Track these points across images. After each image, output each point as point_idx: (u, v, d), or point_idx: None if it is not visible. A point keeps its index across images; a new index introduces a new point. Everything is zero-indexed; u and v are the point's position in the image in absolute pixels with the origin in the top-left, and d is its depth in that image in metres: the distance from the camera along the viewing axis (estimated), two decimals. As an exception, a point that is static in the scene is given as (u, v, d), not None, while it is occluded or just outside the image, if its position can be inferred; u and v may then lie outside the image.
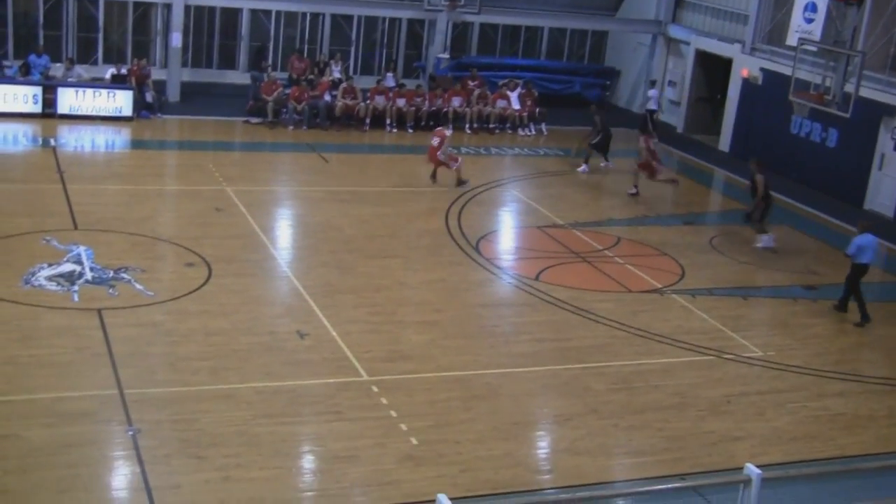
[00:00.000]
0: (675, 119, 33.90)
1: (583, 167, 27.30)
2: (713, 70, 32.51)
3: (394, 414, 13.41)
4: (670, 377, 15.47)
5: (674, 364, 15.96)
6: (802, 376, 16.00)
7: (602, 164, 27.90)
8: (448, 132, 24.67)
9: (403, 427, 13.09)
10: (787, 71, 26.96)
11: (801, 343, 17.34)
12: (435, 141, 24.23)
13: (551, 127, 31.78)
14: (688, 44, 33.45)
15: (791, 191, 26.72)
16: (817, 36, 25.86)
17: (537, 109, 31.89)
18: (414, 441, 12.79)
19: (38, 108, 27.10)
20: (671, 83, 34.54)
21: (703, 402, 14.76)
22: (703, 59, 32.87)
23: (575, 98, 35.45)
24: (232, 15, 32.93)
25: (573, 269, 19.89)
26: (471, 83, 31.83)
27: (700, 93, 33.38)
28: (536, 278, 19.00)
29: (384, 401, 13.73)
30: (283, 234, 20.99)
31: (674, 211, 24.87)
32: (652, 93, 32.77)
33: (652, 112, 32.12)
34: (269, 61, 32.05)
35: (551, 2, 35.96)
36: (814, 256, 22.28)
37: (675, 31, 34.37)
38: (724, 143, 31.37)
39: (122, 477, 11.63)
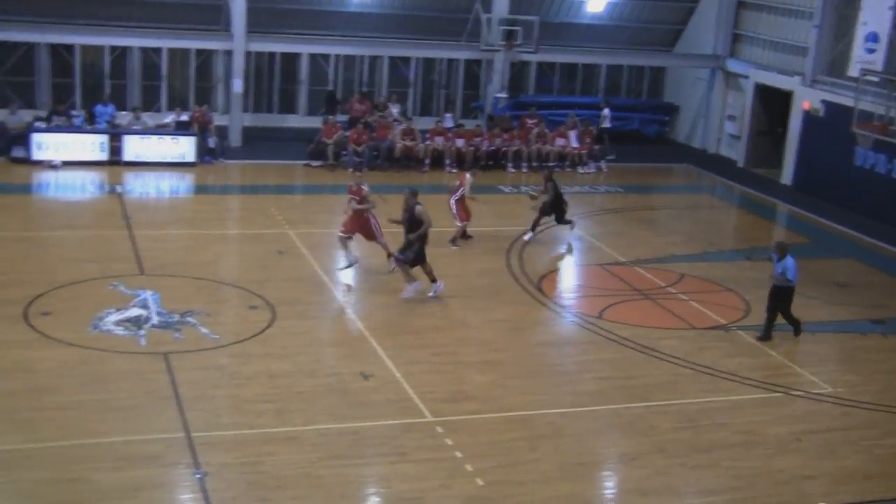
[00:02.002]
0: (736, 153, 33.67)
1: (529, 234, 23.42)
2: (773, 103, 32.25)
3: (459, 455, 13.36)
4: (737, 415, 15.26)
5: (740, 401, 15.75)
6: (873, 413, 15.70)
7: (528, 237, 23.49)
8: (470, 177, 23.21)
9: (469, 468, 13.04)
10: (849, 102, 26.70)
11: (871, 379, 17.03)
12: (468, 190, 22.78)
13: (610, 164, 31.70)
14: (747, 77, 33.26)
15: (856, 223, 26.39)
16: (879, 66, 25.60)
17: (596, 147, 31.85)
18: (479, 482, 12.73)
19: (104, 156, 27.64)
20: (731, 117, 34.33)
21: (771, 439, 14.54)
22: (763, 92, 32.65)
23: (634, 135, 35.40)
24: (292, 60, 33.37)
25: (636, 306, 19.75)
26: (529, 122, 31.89)
27: (760, 126, 33.12)
28: (599, 316, 18.90)
29: (449, 441, 13.70)
30: (345, 275, 21.08)
31: (736, 246, 24.65)
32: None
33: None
34: (337, 106, 32.31)
35: (609, 39, 36.00)
36: (881, 290, 21.93)
37: (733, 65, 34.21)
38: (787, 176, 31.05)
39: (189, 520, 11.73)
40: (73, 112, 29.37)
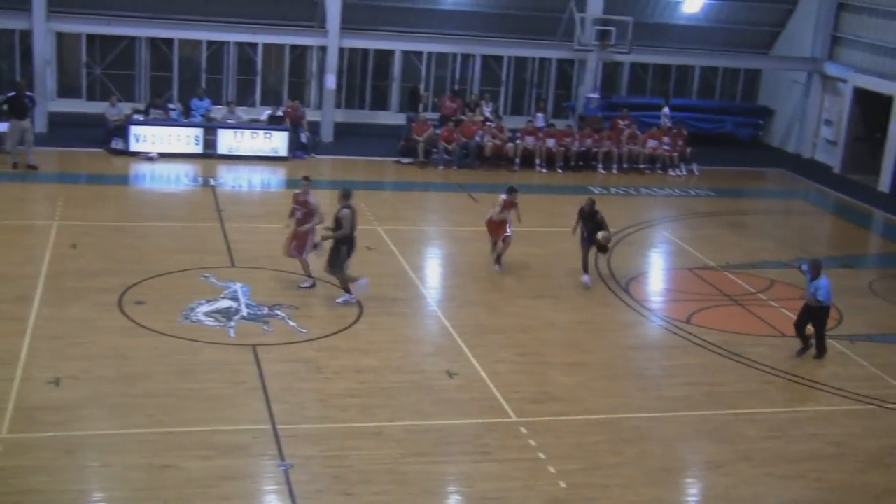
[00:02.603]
0: (832, 159, 33.04)
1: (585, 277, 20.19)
2: (872, 108, 31.55)
3: (542, 456, 13.32)
4: (827, 426, 14.98)
5: (831, 412, 15.46)
6: (970, 428, 15.29)
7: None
8: (505, 197, 20.50)
9: (552, 469, 12.99)
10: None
11: (969, 393, 16.58)
12: (498, 211, 20.46)
13: (702, 167, 31.33)
14: (845, 81, 32.59)
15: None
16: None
17: (688, 149, 31.50)
18: (562, 484, 12.68)
19: (199, 149, 28.13)
20: (827, 122, 33.68)
21: (862, 453, 14.23)
22: (862, 96, 31.95)
23: (727, 138, 34.95)
24: (384, 57, 33.57)
25: (725, 312, 19.49)
26: (621, 123, 31.65)
27: (858, 132, 32.42)
28: (687, 321, 18.68)
29: (532, 442, 13.66)
30: (433, 273, 21.18)
31: (829, 253, 24.16)
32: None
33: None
34: (424, 94, 32.46)
35: (704, 40, 35.55)
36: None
37: (831, 69, 33.54)
38: (885, 183, 30.35)
39: (274, 511, 11.88)
40: (170, 105, 29.92)
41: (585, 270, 20.00)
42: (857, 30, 32.93)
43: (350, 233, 17.81)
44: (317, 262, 18.67)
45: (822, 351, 17.31)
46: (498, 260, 20.60)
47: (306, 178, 19.04)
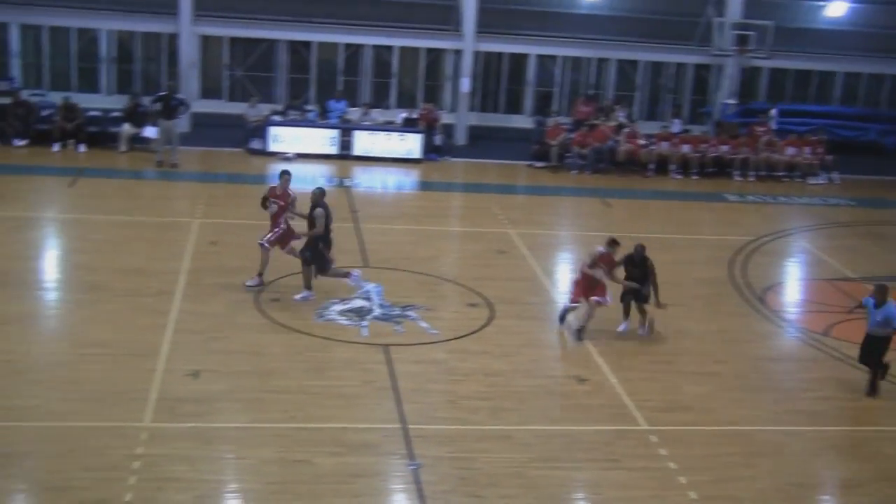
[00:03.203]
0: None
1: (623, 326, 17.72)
2: None
3: (672, 466, 13.16)
4: (974, 447, 14.44)
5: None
6: None
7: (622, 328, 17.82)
8: (601, 249, 17.24)
9: (682, 480, 12.82)
10: None
11: None
12: (592, 269, 17.12)
13: (843, 176, 30.52)
14: None
15: None
16: None
17: (829, 157, 30.72)
18: (693, 495, 12.50)
19: (335, 150, 28.61)
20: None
21: None
22: None
23: (870, 146, 33.97)
24: (519, 60, 33.61)
25: (865, 325, 18.90)
26: (759, 129, 31.05)
27: None
28: (825, 333, 18.22)
29: (663, 452, 13.51)
30: (564, 278, 21.07)
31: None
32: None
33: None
34: (555, 107, 32.47)
35: (846, 45, 34.60)
36: None
37: (983, 76, 32.35)
38: None
39: (403, 510, 12.01)
40: (308, 107, 30.50)
41: (625, 317, 17.61)
42: None
43: (323, 231, 17.61)
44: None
45: (875, 381, 15.72)
46: (578, 334, 17.03)
47: (285, 173, 18.76)
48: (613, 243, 17.31)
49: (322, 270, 17.94)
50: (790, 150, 30.57)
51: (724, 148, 30.24)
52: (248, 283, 18.10)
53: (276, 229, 18.34)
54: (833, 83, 35.79)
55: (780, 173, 30.31)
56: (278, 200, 18.36)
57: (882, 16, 34.42)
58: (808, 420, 14.92)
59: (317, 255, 17.76)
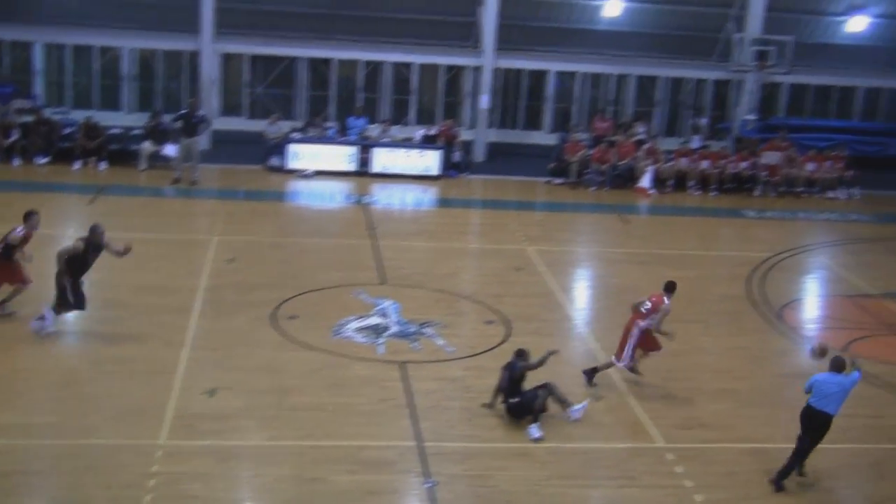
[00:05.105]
0: None
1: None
2: None
3: (689, 484, 13.10)
4: None
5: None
6: None
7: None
8: (667, 301, 15.69)
9: (698, 498, 12.75)
10: None
11: None
12: (645, 308, 15.73)
13: (864, 191, 30.38)
14: None
15: None
16: None
17: (849, 173, 30.61)
18: (708, 513, 12.46)
19: (354, 167, 28.68)
20: None
21: None
22: None
23: (891, 161, 33.81)
24: (539, 77, 33.65)
25: (886, 342, 18.82)
26: (781, 144, 30.95)
27: None
28: (844, 350, 18.10)
29: (679, 469, 13.45)
30: (582, 294, 21.09)
31: None
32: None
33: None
34: (572, 123, 32.52)
35: (868, 60, 34.47)
36: None
37: None
38: None
39: (418, 528, 12.00)
40: (327, 124, 30.62)
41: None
42: None
43: (67, 269, 15.98)
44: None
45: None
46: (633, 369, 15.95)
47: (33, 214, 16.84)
48: (671, 288, 15.81)
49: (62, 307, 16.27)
50: (810, 166, 30.47)
51: (744, 164, 30.15)
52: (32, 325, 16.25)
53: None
54: (853, 98, 35.65)
55: (800, 189, 30.19)
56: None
57: (902, 31, 34.36)
58: (828, 438, 14.77)
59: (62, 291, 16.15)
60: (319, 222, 24.84)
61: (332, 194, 27.16)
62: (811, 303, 21.58)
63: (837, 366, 13.44)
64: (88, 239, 16.30)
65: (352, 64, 32.73)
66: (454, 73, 33.30)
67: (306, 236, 23.18)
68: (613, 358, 15.98)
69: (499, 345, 17.20)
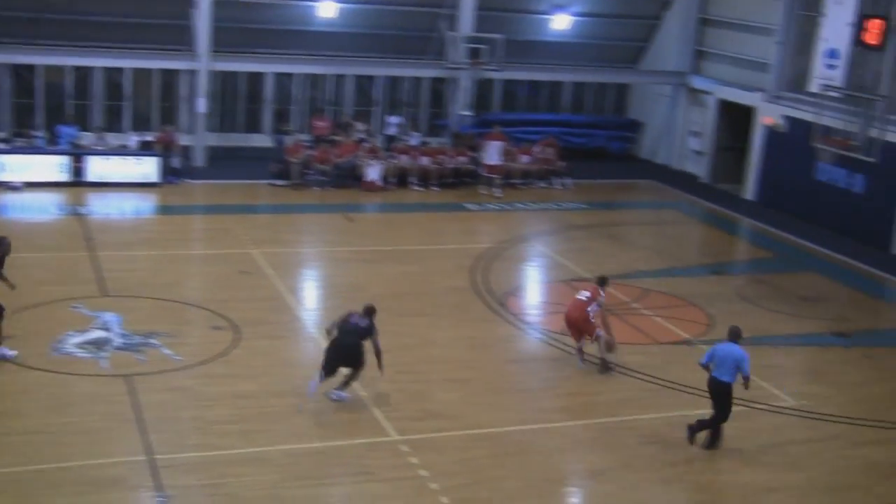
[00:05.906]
0: (700, 169, 33.87)
1: None
2: (736, 119, 32.45)
3: (424, 473, 13.33)
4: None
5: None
6: (837, 425, 15.81)
7: None
8: (602, 294, 17.40)
9: (434, 486, 13.01)
10: (810, 118, 27.02)
11: (835, 391, 17.16)
12: (583, 296, 17.40)
13: (576, 181, 31.81)
14: (710, 94, 33.50)
15: (818, 237, 26.62)
16: (839, 82, 25.84)
17: (561, 164, 31.95)
18: (445, 500, 12.70)
19: (67, 177, 27.43)
20: (694, 133, 34.54)
21: (735, 453, 14.60)
22: (726, 108, 32.88)
23: (599, 151, 35.58)
24: (257, 79, 33.30)
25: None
26: (492, 139, 31.86)
27: (724, 142, 33.33)
28: (564, 333, 18.87)
29: (414, 460, 13.66)
30: (310, 295, 21.07)
31: (700, 261, 24.78)
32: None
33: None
34: (290, 124, 32.38)
35: (574, 56, 36.09)
36: (843, 303, 22.14)
37: (696, 82, 34.45)
38: (750, 191, 31.26)
39: (152, 544, 11.63)
40: (34, 132, 29.16)
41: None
42: (720, 44, 33.93)
43: None
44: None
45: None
46: (605, 367, 17.21)
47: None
48: (602, 282, 17.69)
49: None
50: (524, 158, 31.58)
51: (462, 159, 30.88)
52: None
53: None
54: (562, 93, 37.25)
55: (517, 181, 31.23)
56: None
57: (603, 28, 36.15)
58: (552, 417, 15.46)
59: None
60: (32, 236, 23.51)
61: (45, 206, 25.83)
62: (532, 289, 22.40)
63: (734, 335, 14.59)
64: None
65: (58, 70, 31.26)
66: (169, 77, 32.42)
67: (18, 251, 21.79)
68: (584, 341, 17.20)
69: (228, 350, 16.93)
